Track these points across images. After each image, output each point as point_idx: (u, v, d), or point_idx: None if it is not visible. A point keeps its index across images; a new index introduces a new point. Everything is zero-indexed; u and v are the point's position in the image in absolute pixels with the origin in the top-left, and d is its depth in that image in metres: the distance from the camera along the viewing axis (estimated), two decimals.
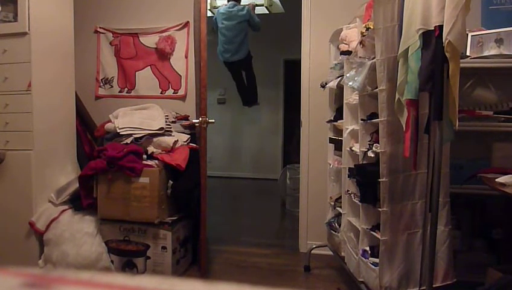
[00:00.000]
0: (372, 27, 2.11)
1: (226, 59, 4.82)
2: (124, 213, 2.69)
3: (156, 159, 2.76)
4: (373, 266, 2.12)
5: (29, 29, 2.66)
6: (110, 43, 3.60)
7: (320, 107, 3.25)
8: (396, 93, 1.87)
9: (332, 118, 2.96)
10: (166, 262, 2.70)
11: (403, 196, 2.04)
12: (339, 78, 2.68)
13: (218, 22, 4.75)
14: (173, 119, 3.13)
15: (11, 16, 2.73)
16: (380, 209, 2.04)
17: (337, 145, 2.82)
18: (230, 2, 4.74)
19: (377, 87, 2.05)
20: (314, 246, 3.06)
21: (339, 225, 2.73)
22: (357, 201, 2.35)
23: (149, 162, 2.71)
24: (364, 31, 2.24)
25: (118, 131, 2.83)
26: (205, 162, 2.87)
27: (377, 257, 2.07)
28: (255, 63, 5.32)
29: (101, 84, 3.64)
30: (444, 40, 1.58)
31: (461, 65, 1.64)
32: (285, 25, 5.35)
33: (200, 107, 2.96)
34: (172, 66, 3.48)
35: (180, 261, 2.87)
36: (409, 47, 1.77)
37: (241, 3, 4.74)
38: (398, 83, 1.85)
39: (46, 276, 0.29)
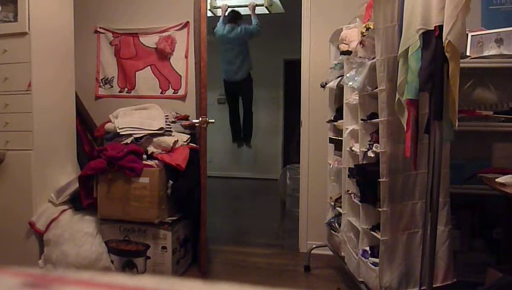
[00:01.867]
0: (372, 27, 2.11)
1: (229, 78, 5.06)
2: (124, 213, 2.69)
3: (156, 159, 2.76)
4: (373, 266, 2.12)
5: (29, 29, 2.66)
6: (110, 43, 3.60)
7: (320, 107, 3.25)
8: (397, 93, 1.87)
9: (332, 118, 2.96)
10: (166, 262, 2.70)
11: (403, 196, 2.04)
12: (339, 78, 2.68)
13: (218, 42, 4.93)
14: (173, 119, 3.13)
15: (11, 16, 2.73)
16: (380, 209, 2.04)
17: (337, 145, 2.82)
18: (228, 25, 4.87)
19: (377, 87, 2.05)
20: (314, 246, 3.06)
21: (339, 225, 2.73)
22: (357, 201, 2.35)
23: (149, 162, 2.71)
24: (364, 31, 2.24)
25: (118, 131, 2.83)
26: (205, 162, 2.88)
27: (377, 257, 2.07)
28: (255, 63, 5.33)
29: (101, 84, 3.63)
30: (444, 40, 1.58)
31: (461, 65, 1.64)
32: (285, 25, 5.35)
33: (200, 107, 2.96)
34: (172, 66, 3.48)
35: (180, 261, 2.87)
36: (409, 47, 1.77)
37: (240, 21, 4.90)
38: (398, 83, 1.85)
39: (46, 276, 0.29)
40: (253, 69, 5.31)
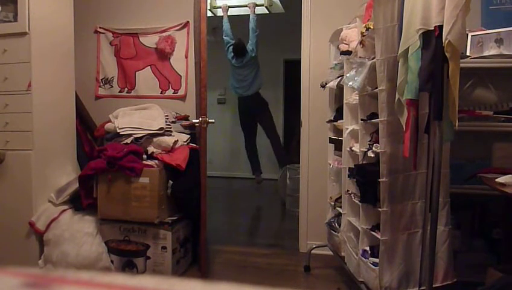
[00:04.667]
0: (372, 27, 2.11)
1: (240, 94, 5.22)
2: (124, 213, 2.69)
3: (156, 159, 2.76)
4: (373, 266, 2.12)
5: (29, 29, 2.66)
6: (110, 43, 3.60)
7: (320, 107, 3.25)
8: (397, 93, 1.87)
9: (332, 118, 2.96)
10: (166, 262, 2.70)
11: (403, 196, 2.04)
12: (339, 78, 2.68)
13: (229, 59, 5.11)
14: (173, 119, 3.13)
15: (11, 15, 2.73)
16: (380, 209, 2.04)
17: (337, 145, 2.82)
18: (237, 59, 5.05)
19: (377, 87, 2.05)
20: (314, 246, 3.06)
21: (339, 225, 2.73)
22: (357, 201, 2.35)
23: (149, 162, 2.71)
24: (364, 31, 2.24)
25: (118, 131, 2.83)
26: (205, 162, 2.88)
27: (377, 257, 2.07)
28: None
29: (101, 84, 3.63)
30: (444, 40, 1.58)
31: (461, 65, 1.64)
32: (285, 25, 5.35)
33: (200, 107, 2.96)
34: (172, 66, 3.48)
35: (180, 261, 2.87)
36: (409, 47, 1.77)
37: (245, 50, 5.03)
38: (398, 83, 1.85)
39: (46, 276, 0.29)
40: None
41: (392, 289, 2.03)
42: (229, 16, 5.02)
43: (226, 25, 5.00)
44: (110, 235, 2.77)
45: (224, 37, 5.05)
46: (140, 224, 2.71)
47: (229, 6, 4.91)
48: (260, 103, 5.32)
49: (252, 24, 4.89)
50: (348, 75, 2.37)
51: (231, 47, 5.02)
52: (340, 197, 2.74)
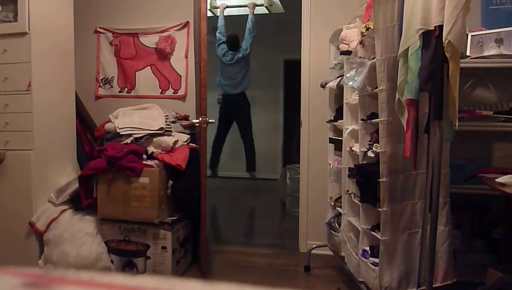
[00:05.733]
0: (372, 27, 2.11)
1: (227, 92, 5.29)
2: (124, 213, 2.69)
3: (156, 159, 2.76)
4: (373, 266, 2.12)
5: (29, 29, 2.66)
6: (110, 43, 3.60)
7: (320, 107, 3.25)
8: (397, 93, 1.87)
9: (332, 118, 2.96)
10: (166, 262, 2.70)
11: (403, 195, 2.04)
12: (339, 78, 2.68)
13: (220, 61, 5.16)
14: (173, 119, 3.13)
15: (11, 15, 2.73)
16: (380, 209, 2.04)
17: (337, 145, 2.82)
18: (230, 53, 5.10)
19: (377, 87, 2.05)
20: (314, 246, 3.06)
21: (339, 225, 2.73)
22: (357, 201, 2.35)
23: (149, 162, 2.71)
24: (364, 31, 2.24)
25: (118, 131, 2.83)
26: (205, 162, 2.88)
27: (377, 257, 2.07)
28: (255, 62, 5.34)
29: (101, 84, 3.63)
30: (444, 40, 1.58)
31: (461, 65, 1.64)
32: (285, 25, 5.35)
33: (200, 107, 2.96)
34: (172, 66, 3.48)
35: (180, 261, 2.87)
36: (409, 47, 1.77)
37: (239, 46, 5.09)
38: (398, 83, 1.85)
39: (46, 276, 0.29)
40: (253, 69, 5.33)
41: (392, 289, 2.03)
42: (228, 16, 5.03)
43: (220, 21, 5.02)
44: (110, 235, 2.77)
45: (217, 33, 5.06)
46: (140, 224, 2.71)
47: (229, 6, 4.92)
48: (244, 103, 5.39)
49: (249, 25, 4.90)
50: (348, 75, 2.37)
51: (223, 44, 5.06)
52: (340, 197, 2.74)
